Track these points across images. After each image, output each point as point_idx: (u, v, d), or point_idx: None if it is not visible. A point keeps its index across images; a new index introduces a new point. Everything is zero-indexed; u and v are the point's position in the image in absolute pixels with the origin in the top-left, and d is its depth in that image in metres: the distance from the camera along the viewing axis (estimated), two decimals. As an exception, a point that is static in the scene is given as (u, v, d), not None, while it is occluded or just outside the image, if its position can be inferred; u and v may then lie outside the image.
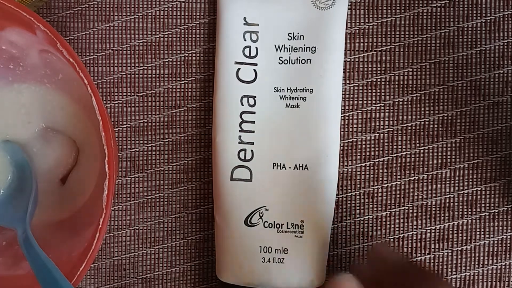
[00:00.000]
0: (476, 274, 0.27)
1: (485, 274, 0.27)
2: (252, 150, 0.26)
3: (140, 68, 0.29)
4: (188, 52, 0.28)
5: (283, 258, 0.26)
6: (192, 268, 0.29)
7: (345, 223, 0.28)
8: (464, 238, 0.27)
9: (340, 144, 0.28)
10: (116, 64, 0.29)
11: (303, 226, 0.26)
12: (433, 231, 0.27)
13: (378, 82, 0.27)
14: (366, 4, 0.27)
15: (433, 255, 0.27)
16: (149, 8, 0.29)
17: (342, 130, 0.28)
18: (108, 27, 0.29)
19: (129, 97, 0.29)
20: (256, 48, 0.27)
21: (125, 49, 0.29)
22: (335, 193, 0.26)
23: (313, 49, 0.26)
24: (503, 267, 0.27)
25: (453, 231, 0.27)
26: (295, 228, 0.26)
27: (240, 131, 0.26)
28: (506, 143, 0.27)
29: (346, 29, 0.27)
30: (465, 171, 0.27)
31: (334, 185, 0.26)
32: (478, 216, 0.27)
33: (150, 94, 0.29)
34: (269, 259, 0.26)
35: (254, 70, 0.27)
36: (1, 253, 0.27)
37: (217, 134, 0.27)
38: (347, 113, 0.28)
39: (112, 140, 0.22)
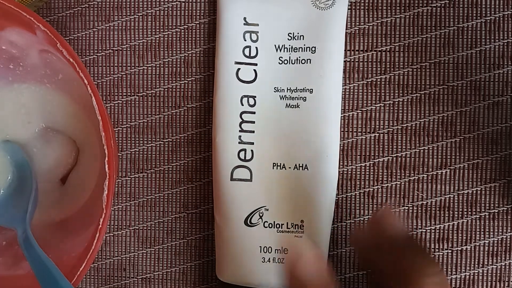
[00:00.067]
0: (476, 274, 0.27)
1: (485, 274, 0.27)
2: (252, 150, 0.26)
3: (140, 68, 0.29)
4: (188, 52, 0.28)
5: (283, 258, 0.26)
6: (192, 268, 0.29)
7: (345, 223, 0.28)
8: (464, 238, 0.27)
9: (340, 144, 0.28)
10: (116, 64, 0.29)
11: (303, 226, 0.26)
12: (433, 231, 0.27)
13: (378, 82, 0.27)
14: (366, 4, 0.27)
15: (433, 255, 0.27)
16: (149, 8, 0.29)
17: (342, 130, 0.28)
18: (108, 27, 0.29)
19: (129, 97, 0.29)
20: (256, 48, 0.27)
21: (125, 49, 0.29)
22: (335, 193, 0.26)
23: (313, 49, 0.26)
24: (503, 267, 0.27)
25: (453, 231, 0.27)
26: (295, 228, 0.26)
27: (240, 131, 0.26)
28: (506, 143, 0.27)
29: (346, 29, 0.27)
30: (465, 171, 0.27)
31: (334, 185, 0.26)
32: (478, 216, 0.27)
33: (150, 94, 0.29)
34: (269, 259, 0.26)
35: (254, 70, 0.27)
36: (1, 253, 0.27)
37: (217, 134, 0.27)
38: (347, 113, 0.28)
39: (112, 140, 0.22)
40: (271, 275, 0.26)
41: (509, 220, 0.27)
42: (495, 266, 0.27)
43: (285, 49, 0.27)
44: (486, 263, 0.27)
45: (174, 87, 0.29)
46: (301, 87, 0.26)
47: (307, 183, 0.26)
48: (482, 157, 0.27)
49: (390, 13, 0.27)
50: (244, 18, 0.27)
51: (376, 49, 0.27)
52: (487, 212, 0.27)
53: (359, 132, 0.28)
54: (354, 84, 0.28)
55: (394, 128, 0.27)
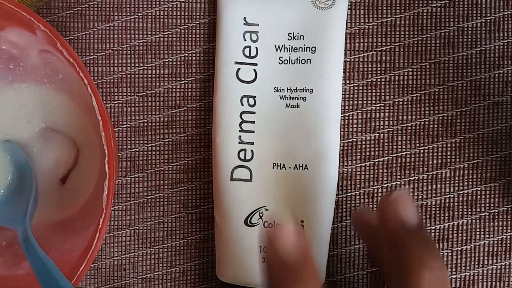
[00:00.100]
0: (476, 274, 0.27)
1: (485, 274, 0.27)
2: (252, 150, 0.26)
3: (140, 68, 0.29)
4: (188, 52, 0.28)
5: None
6: (192, 268, 0.29)
7: (345, 223, 0.28)
8: (464, 238, 0.27)
9: (340, 144, 0.28)
10: (116, 64, 0.29)
11: (303, 226, 0.26)
12: (433, 231, 0.27)
13: (378, 82, 0.27)
14: (366, 4, 0.27)
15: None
16: (149, 8, 0.29)
17: (342, 130, 0.28)
18: (108, 27, 0.29)
19: (129, 97, 0.29)
20: (256, 48, 0.27)
21: (125, 49, 0.29)
22: (335, 193, 0.26)
23: (313, 49, 0.26)
24: (503, 267, 0.27)
25: (453, 231, 0.27)
26: (295, 228, 0.26)
27: (240, 131, 0.26)
28: (506, 143, 0.27)
29: (346, 29, 0.27)
30: (465, 171, 0.27)
31: (334, 185, 0.26)
32: (478, 216, 0.27)
33: (150, 94, 0.29)
34: (269, 259, 0.26)
35: (254, 70, 0.27)
36: (1, 253, 0.27)
37: (217, 134, 0.27)
38: (347, 113, 0.28)
39: (112, 140, 0.22)
40: (271, 275, 0.26)
41: (509, 220, 0.27)
42: (495, 266, 0.27)
43: (285, 49, 0.27)
44: (486, 263, 0.27)
45: (174, 87, 0.29)
46: (301, 87, 0.26)
47: (307, 183, 0.26)
48: (482, 157, 0.27)
49: (390, 13, 0.27)
50: (244, 18, 0.27)
51: (376, 49, 0.27)
52: (487, 212, 0.27)
53: (359, 132, 0.28)
54: (354, 84, 0.28)
55: (394, 128, 0.27)
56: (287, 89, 0.27)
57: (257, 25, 0.27)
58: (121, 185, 0.29)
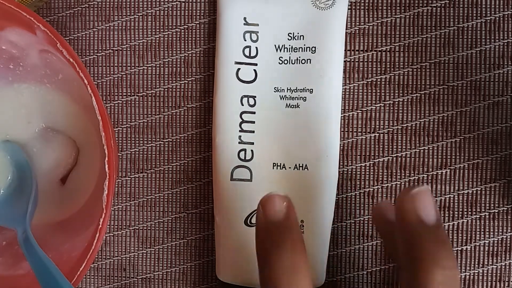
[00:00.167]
0: (476, 274, 0.27)
1: (485, 274, 0.27)
2: (252, 150, 0.26)
3: (140, 68, 0.29)
4: (188, 52, 0.28)
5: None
6: (192, 268, 0.29)
7: (345, 223, 0.28)
8: (464, 238, 0.27)
9: (340, 144, 0.28)
10: (116, 64, 0.29)
11: (303, 226, 0.26)
12: (433, 231, 0.27)
13: (378, 82, 0.27)
14: (366, 4, 0.27)
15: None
16: (149, 8, 0.29)
17: (342, 130, 0.28)
18: (108, 27, 0.29)
19: (129, 97, 0.29)
20: (256, 48, 0.27)
21: (125, 49, 0.29)
22: (335, 193, 0.26)
23: (313, 49, 0.26)
24: (503, 267, 0.27)
25: (453, 231, 0.27)
26: (295, 228, 0.26)
27: (240, 131, 0.26)
28: (506, 143, 0.27)
29: (346, 29, 0.27)
30: (465, 171, 0.27)
31: (334, 185, 0.26)
32: (478, 216, 0.27)
33: (150, 94, 0.29)
34: (269, 259, 0.26)
35: (254, 70, 0.27)
36: (1, 253, 0.27)
37: (217, 134, 0.27)
38: (347, 113, 0.28)
39: (112, 140, 0.22)
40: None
41: (509, 220, 0.27)
42: (495, 266, 0.27)
43: (285, 49, 0.27)
44: (486, 263, 0.27)
45: (174, 87, 0.29)
46: (301, 87, 0.26)
47: (307, 183, 0.26)
48: (482, 157, 0.27)
49: (390, 13, 0.27)
50: (244, 18, 0.27)
51: (376, 49, 0.27)
52: (487, 212, 0.27)
53: (359, 132, 0.28)
54: (354, 84, 0.28)
55: (394, 128, 0.27)
56: (287, 89, 0.27)
57: (257, 25, 0.27)
58: (121, 185, 0.29)
